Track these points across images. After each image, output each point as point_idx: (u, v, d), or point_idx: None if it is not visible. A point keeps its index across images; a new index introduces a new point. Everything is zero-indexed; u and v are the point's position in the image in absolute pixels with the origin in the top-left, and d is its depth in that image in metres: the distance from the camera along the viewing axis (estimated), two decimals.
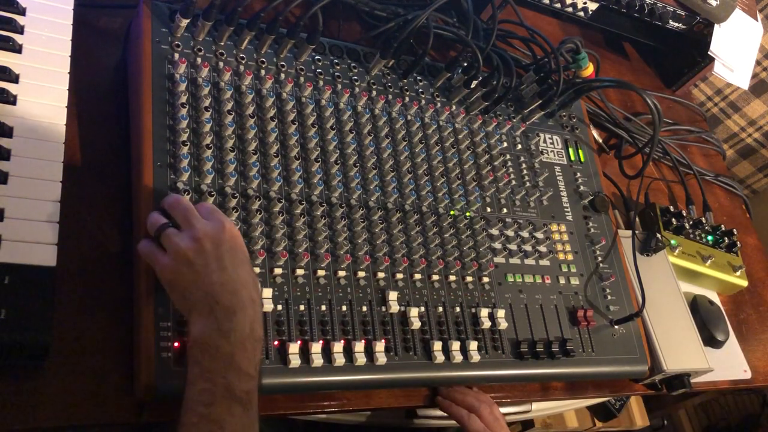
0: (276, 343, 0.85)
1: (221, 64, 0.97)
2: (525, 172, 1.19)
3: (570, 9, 1.51)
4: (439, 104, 1.15)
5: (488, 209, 1.11)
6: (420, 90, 1.15)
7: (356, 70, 1.10)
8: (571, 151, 1.27)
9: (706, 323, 1.30)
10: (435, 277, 1.00)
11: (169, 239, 0.77)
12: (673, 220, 1.37)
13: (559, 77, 1.19)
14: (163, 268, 0.77)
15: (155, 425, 0.83)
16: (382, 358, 0.91)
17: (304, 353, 0.87)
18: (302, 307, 0.90)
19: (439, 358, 0.95)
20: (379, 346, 0.91)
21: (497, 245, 1.09)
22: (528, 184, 1.18)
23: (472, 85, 1.15)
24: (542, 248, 1.13)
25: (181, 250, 0.75)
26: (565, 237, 1.17)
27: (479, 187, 1.12)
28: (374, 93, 1.09)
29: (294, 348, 0.86)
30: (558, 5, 1.50)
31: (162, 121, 0.89)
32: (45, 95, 0.84)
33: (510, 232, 1.11)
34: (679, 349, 1.18)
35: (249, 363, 0.73)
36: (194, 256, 0.75)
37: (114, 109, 0.95)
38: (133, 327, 0.81)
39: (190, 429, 0.68)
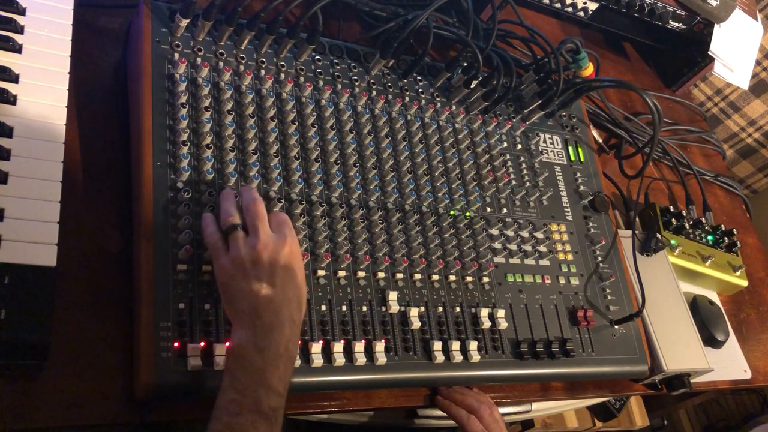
0: None
1: (221, 64, 0.97)
2: (525, 172, 1.19)
3: (570, 9, 1.51)
4: (439, 104, 1.15)
5: (488, 209, 1.11)
6: (420, 90, 1.14)
7: (356, 70, 1.10)
8: (571, 151, 1.27)
9: (706, 323, 1.30)
10: (435, 277, 1.00)
11: (235, 243, 0.79)
12: (673, 220, 1.37)
13: (559, 77, 1.19)
14: (221, 269, 0.79)
15: (155, 425, 0.83)
16: (382, 358, 0.91)
17: (304, 353, 0.87)
18: None
19: (439, 358, 0.95)
20: (379, 346, 0.91)
21: (497, 245, 1.09)
22: (528, 184, 1.18)
23: (472, 85, 1.15)
24: (542, 248, 1.13)
25: (240, 257, 0.78)
26: (565, 237, 1.17)
27: (479, 187, 1.12)
28: (374, 93, 1.09)
29: None
30: (558, 5, 1.50)
31: (162, 121, 0.89)
32: (45, 95, 0.84)
33: (510, 232, 1.11)
34: (679, 349, 1.18)
35: (279, 381, 0.75)
36: (250, 266, 0.78)
37: (114, 109, 0.95)
38: (133, 327, 0.81)
39: None
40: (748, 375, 1.33)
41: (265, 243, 0.79)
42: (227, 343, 0.81)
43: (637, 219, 1.34)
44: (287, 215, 0.87)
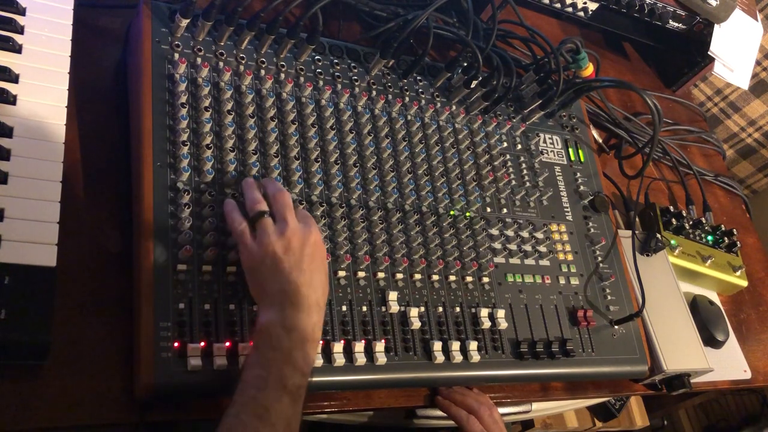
0: None
1: (221, 64, 0.97)
2: (525, 172, 1.19)
3: (570, 9, 1.51)
4: (439, 104, 1.15)
5: (488, 209, 1.11)
6: (420, 90, 1.14)
7: (356, 70, 1.10)
8: (571, 151, 1.27)
9: (706, 323, 1.30)
10: (435, 277, 1.00)
11: (265, 230, 0.82)
12: (673, 220, 1.37)
13: (559, 77, 1.19)
14: (250, 254, 0.82)
15: (155, 425, 0.83)
16: (382, 358, 0.91)
17: None
18: None
19: (439, 358, 0.95)
20: (379, 346, 0.91)
21: (497, 245, 1.09)
22: (528, 184, 1.18)
23: (472, 85, 1.15)
24: (542, 248, 1.13)
25: (271, 244, 0.81)
26: (565, 237, 1.17)
27: (479, 187, 1.12)
28: (374, 93, 1.09)
29: None
30: (558, 5, 1.50)
31: (162, 121, 0.89)
32: (45, 95, 0.84)
33: (510, 232, 1.11)
34: (679, 349, 1.18)
35: (303, 361, 0.78)
36: (281, 251, 0.81)
37: (114, 109, 0.95)
38: (133, 327, 0.81)
39: (239, 408, 0.73)
40: (748, 375, 1.33)
41: (294, 230, 0.82)
42: (227, 343, 0.82)
43: (637, 219, 1.34)
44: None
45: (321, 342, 0.88)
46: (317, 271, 0.83)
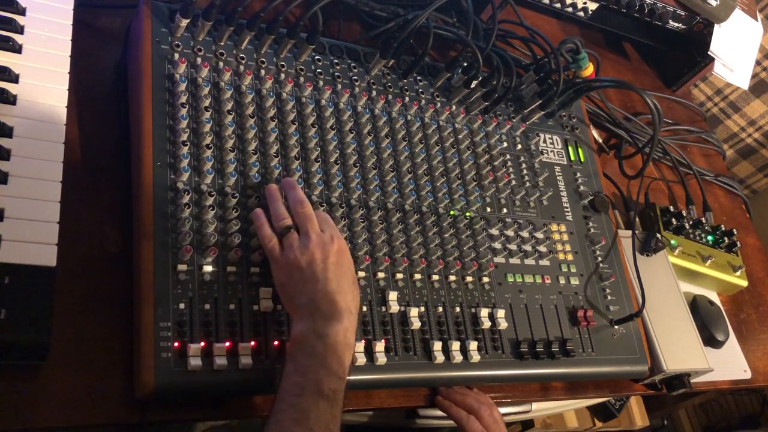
0: (276, 343, 0.85)
1: (221, 64, 0.97)
2: (525, 172, 1.19)
3: (570, 9, 1.51)
4: (439, 104, 1.15)
5: (488, 209, 1.11)
6: (420, 90, 1.14)
7: (356, 70, 1.10)
8: (571, 151, 1.27)
9: (706, 323, 1.30)
10: (435, 277, 1.00)
11: (291, 245, 0.85)
12: (673, 220, 1.37)
13: (559, 77, 1.19)
14: (279, 270, 0.85)
15: (155, 425, 0.83)
16: (382, 358, 0.91)
17: None
18: None
19: (439, 358, 0.95)
20: (379, 346, 0.91)
21: (497, 245, 1.09)
22: (528, 184, 1.18)
23: (472, 85, 1.15)
24: (542, 248, 1.13)
25: (297, 258, 0.84)
26: (565, 237, 1.17)
27: (479, 187, 1.12)
28: (374, 93, 1.09)
29: None
30: (558, 5, 1.50)
31: (162, 121, 0.89)
32: (45, 95, 0.84)
33: (510, 232, 1.11)
34: (679, 349, 1.18)
35: (338, 365, 0.80)
36: (306, 265, 0.84)
37: (114, 109, 0.95)
38: (133, 327, 0.81)
39: (279, 415, 0.76)
40: (748, 375, 1.33)
41: (316, 243, 0.85)
42: (227, 343, 0.82)
43: (637, 219, 1.34)
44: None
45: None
46: (344, 277, 0.85)
